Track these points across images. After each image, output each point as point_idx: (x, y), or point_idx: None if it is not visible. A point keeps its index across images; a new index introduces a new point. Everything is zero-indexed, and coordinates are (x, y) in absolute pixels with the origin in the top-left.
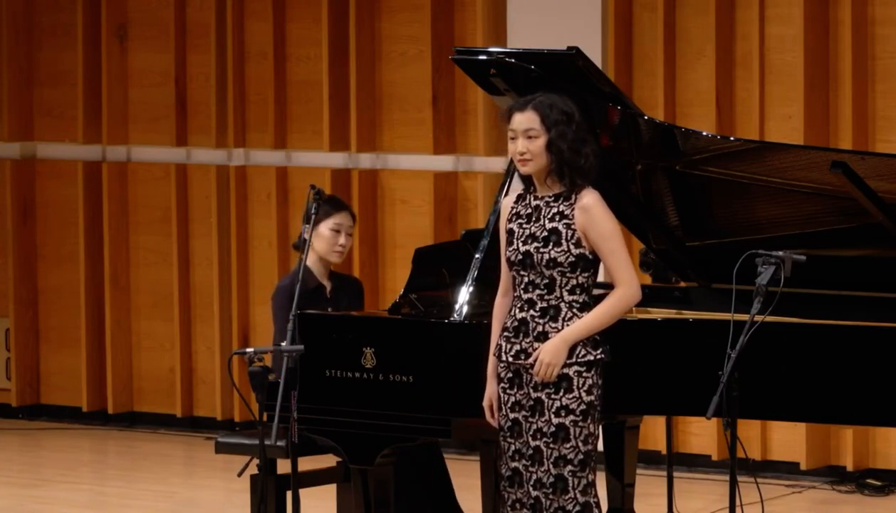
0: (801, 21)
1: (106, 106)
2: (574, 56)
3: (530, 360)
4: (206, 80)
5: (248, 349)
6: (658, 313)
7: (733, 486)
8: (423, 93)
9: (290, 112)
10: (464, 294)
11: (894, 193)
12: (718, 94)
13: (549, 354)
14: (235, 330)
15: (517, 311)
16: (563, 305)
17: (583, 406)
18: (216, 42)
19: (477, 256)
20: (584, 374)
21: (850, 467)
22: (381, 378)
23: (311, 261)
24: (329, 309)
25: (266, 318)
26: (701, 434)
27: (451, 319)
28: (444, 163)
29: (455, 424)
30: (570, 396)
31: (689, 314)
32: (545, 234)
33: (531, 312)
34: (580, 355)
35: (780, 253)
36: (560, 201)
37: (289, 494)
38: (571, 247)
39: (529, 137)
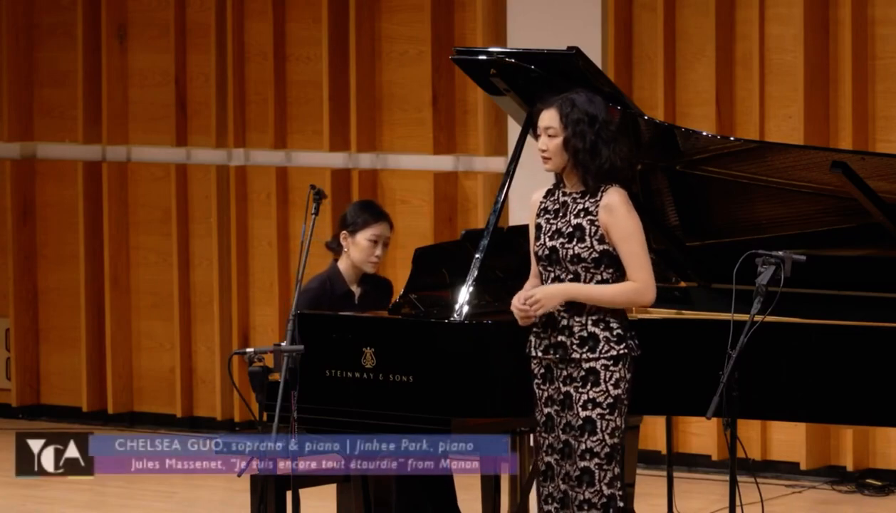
0: (801, 21)
1: (106, 106)
2: (574, 56)
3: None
4: (205, 81)
5: (248, 349)
6: (658, 313)
7: (733, 486)
8: (423, 93)
9: (290, 112)
10: (464, 294)
11: (894, 193)
12: (718, 94)
13: (543, 294)
14: (235, 330)
15: None
16: None
17: (610, 400)
18: (216, 42)
19: (477, 256)
20: (612, 368)
21: (850, 467)
22: (381, 378)
23: (343, 266)
24: None
25: (266, 319)
26: (701, 434)
27: (451, 319)
28: (444, 163)
29: (455, 423)
30: (598, 389)
31: (689, 314)
32: (570, 229)
33: (558, 306)
34: (603, 351)
35: (780, 253)
36: (586, 198)
37: (289, 494)
38: (595, 243)
39: (549, 136)
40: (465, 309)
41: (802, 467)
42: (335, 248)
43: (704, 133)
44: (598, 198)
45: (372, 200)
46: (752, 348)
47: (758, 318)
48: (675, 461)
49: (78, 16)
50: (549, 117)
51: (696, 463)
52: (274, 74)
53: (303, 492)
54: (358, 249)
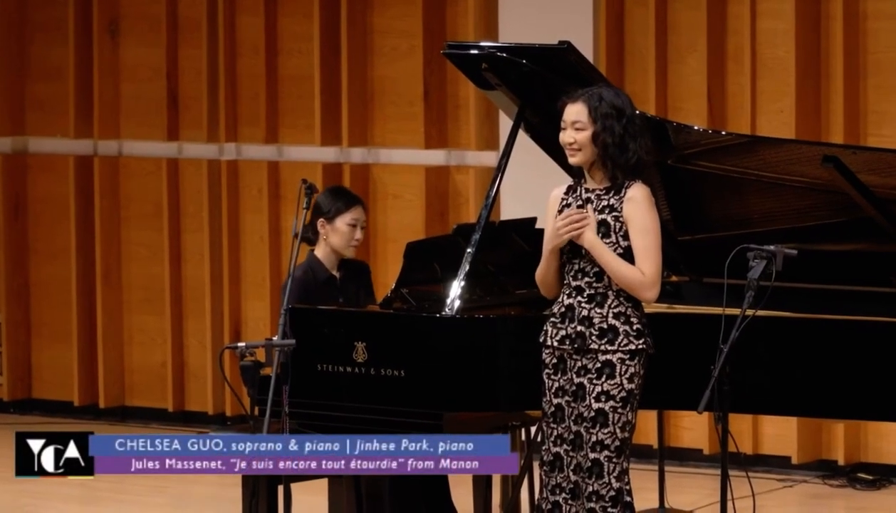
0: (793, 15)
1: (97, 101)
2: (566, 50)
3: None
4: (197, 75)
5: (240, 344)
6: (650, 308)
7: (725, 480)
8: (415, 87)
9: (282, 107)
10: (455, 288)
11: (885, 188)
12: (710, 88)
13: (589, 221)
14: (227, 324)
15: (565, 297)
16: (610, 293)
17: (623, 393)
18: (208, 37)
19: (469, 250)
20: (628, 362)
21: (841, 462)
22: (373, 372)
23: (322, 253)
24: (340, 299)
25: (257, 313)
26: (692, 428)
27: (443, 313)
28: (436, 157)
29: (446, 418)
30: (612, 382)
31: (681, 308)
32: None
33: (579, 298)
34: (622, 344)
35: (772, 247)
36: (610, 194)
37: (280, 488)
38: (620, 239)
39: (577, 129)
40: (457, 303)
41: (794, 461)
42: (310, 237)
43: (696, 127)
44: (622, 194)
45: (342, 186)
46: (743, 343)
47: (749, 312)
48: (667, 455)
49: (70, 11)
50: (576, 111)
51: (688, 457)
52: (265, 69)
53: (294, 487)
54: (338, 234)
